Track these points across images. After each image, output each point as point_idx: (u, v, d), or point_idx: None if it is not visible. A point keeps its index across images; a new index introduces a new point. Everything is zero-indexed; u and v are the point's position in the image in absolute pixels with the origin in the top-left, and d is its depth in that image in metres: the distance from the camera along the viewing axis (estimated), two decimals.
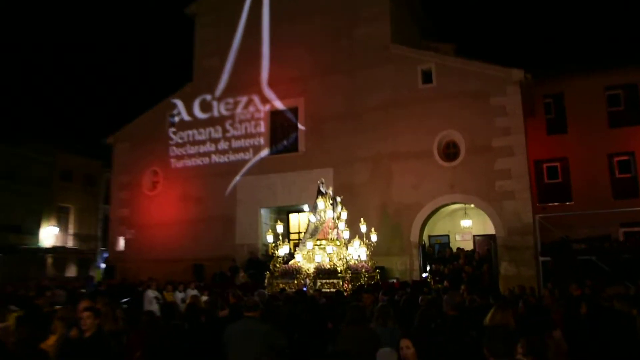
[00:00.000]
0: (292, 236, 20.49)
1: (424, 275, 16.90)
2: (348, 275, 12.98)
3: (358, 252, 14.16)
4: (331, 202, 14.75)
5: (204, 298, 10.78)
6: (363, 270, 13.76)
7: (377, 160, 19.17)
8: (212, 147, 22.76)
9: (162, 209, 23.07)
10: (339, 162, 19.69)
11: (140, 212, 23.64)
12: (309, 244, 14.10)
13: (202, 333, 6.59)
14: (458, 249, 19.18)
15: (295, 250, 14.73)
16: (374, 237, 14.49)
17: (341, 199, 15.10)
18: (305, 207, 20.32)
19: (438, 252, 19.74)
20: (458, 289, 12.12)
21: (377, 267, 15.07)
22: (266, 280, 13.83)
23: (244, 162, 21.94)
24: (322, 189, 14.87)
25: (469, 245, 20.16)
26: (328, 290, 12.09)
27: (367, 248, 14.34)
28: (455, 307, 6.12)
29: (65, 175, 31.35)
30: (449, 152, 18.56)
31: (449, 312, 6.05)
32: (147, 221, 23.28)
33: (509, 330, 3.98)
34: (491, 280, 16.14)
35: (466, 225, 20.58)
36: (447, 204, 18.92)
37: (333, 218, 14.56)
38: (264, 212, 21.68)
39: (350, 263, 13.63)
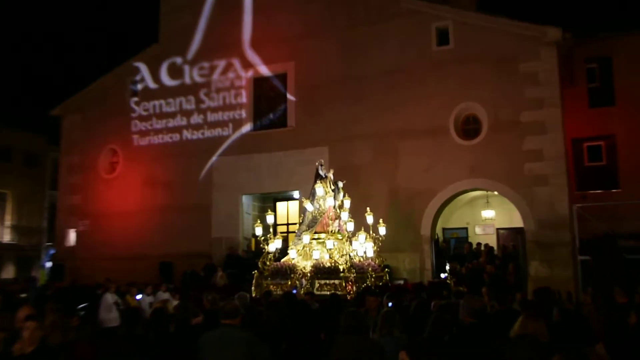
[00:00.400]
0: (280, 228, 20.57)
1: (442, 275, 17.00)
2: (352, 275, 13.17)
3: (363, 248, 14.34)
4: (332, 187, 14.94)
5: (176, 303, 10.87)
6: (369, 269, 13.94)
7: (382, 137, 19.34)
8: (184, 121, 22.99)
9: (123, 196, 23.23)
10: (336, 140, 19.87)
11: (95, 199, 23.76)
12: (306, 238, 14.19)
13: (171, 344, 6.66)
14: (478, 244, 19.32)
15: (289, 245, 15.12)
16: (382, 230, 14.65)
17: (344, 184, 15.36)
18: (296, 194, 20.56)
19: (454, 248, 19.94)
20: (478, 292, 11.91)
21: (385, 266, 15.34)
22: (254, 281, 14.04)
23: (222, 139, 22.09)
24: (321, 171, 15.02)
25: (491, 241, 20.25)
26: (328, 292, 12.34)
27: (375, 243, 14.51)
28: (474, 313, 6.08)
29: (1, 154, 30.90)
30: (469, 128, 18.81)
31: (467, 320, 6.04)
32: (103, 210, 23.41)
33: (541, 343, 3.97)
34: (518, 283, 16.31)
35: (488, 216, 20.61)
36: (466, 191, 19.07)
37: (334, 207, 14.74)
38: (245, 200, 21.82)
39: (355, 260, 13.81)
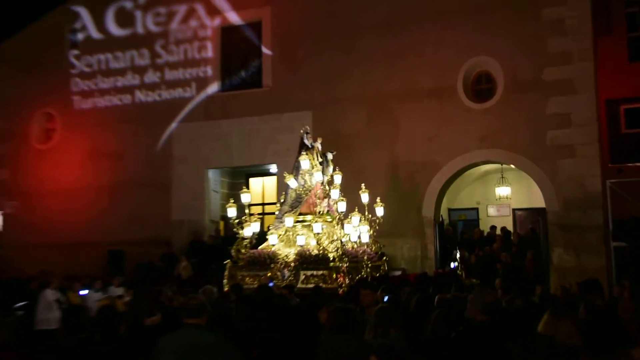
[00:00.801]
0: (255, 209, 19.81)
1: (452, 265, 16.99)
2: (344, 264, 13.27)
3: (357, 232, 14.46)
4: (320, 160, 15.07)
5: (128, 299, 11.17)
6: (365, 257, 14.11)
7: (376, 100, 19.30)
8: (136, 80, 22.78)
9: (61, 170, 22.96)
10: (321, 103, 19.80)
11: (26, 174, 23.48)
12: (288, 221, 14.23)
13: (120, 349, 6.66)
14: (493, 227, 19.32)
15: (265, 229, 15.16)
16: (379, 211, 14.79)
17: (334, 156, 15.51)
18: (273, 168, 20.58)
19: (462, 232, 19.88)
20: (491, 285, 12.28)
21: (382, 254, 15.51)
22: (226, 273, 14.12)
23: (184, 102, 21.89)
24: (306, 141, 15.08)
25: (506, 224, 20.07)
26: (315, 284, 12.56)
27: (371, 226, 14.60)
28: (486, 309, 6.03)
29: None
30: (480, 88, 18.78)
31: (477, 317, 6.00)
32: (37, 188, 23.10)
33: (559, 346, 4.16)
34: (538, 273, 16.43)
35: (503, 194, 20.42)
36: (477, 164, 19.09)
37: (323, 183, 14.90)
38: (212, 176, 21.81)
39: (347, 247, 13.98)
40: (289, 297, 10.34)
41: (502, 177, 20.45)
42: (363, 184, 15.04)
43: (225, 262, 14.43)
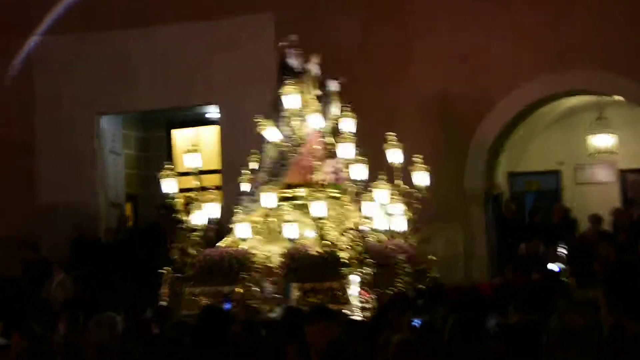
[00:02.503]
0: (184, 181, 16.29)
1: (552, 267, 13.72)
2: (370, 269, 11.12)
3: (389, 216, 12.49)
4: (319, 93, 12.83)
5: None
6: (401, 259, 11.89)
7: None
8: None
9: None
10: (290, 2, 16.37)
11: None
12: (268, 198, 12.10)
13: None
14: (594, 219, 15.58)
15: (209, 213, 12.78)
16: (424, 178, 12.58)
17: (340, 86, 12.95)
18: (212, 112, 17.80)
19: (532, 211, 16.65)
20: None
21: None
22: (165, 289, 11.92)
23: (49, 0, 17.46)
24: (291, 61, 12.88)
25: (611, 194, 16.87)
26: (315, 302, 10.48)
27: (408, 207, 12.52)
28: (570, 340, 4.83)
29: None
30: None
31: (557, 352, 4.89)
32: None
33: None
34: None
35: (603, 145, 16.69)
36: (555, 96, 15.62)
37: (322, 134, 12.80)
38: (109, 127, 18.08)
39: (370, 240, 11.77)
40: (253, 329, 7.88)
41: (600, 119, 16.68)
42: (390, 134, 12.66)
43: (162, 269, 11.96)
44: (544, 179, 18.06)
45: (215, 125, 17.96)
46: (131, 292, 13.60)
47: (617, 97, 15.70)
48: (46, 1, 17.77)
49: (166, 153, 18.40)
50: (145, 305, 11.32)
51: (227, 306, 10.56)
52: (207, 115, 18.15)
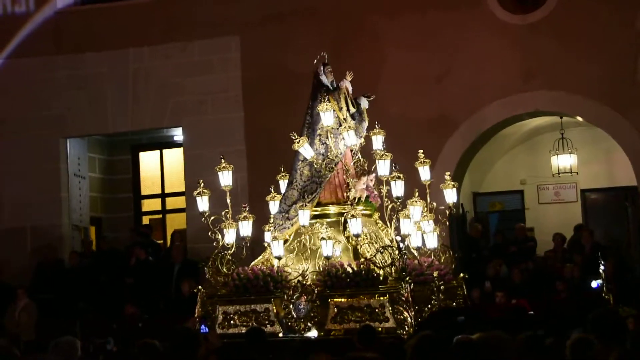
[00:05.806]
0: (149, 203, 18.00)
1: (593, 284, 14.25)
2: (407, 286, 11.29)
3: (421, 232, 12.70)
4: (351, 111, 12.99)
5: None
6: (436, 276, 12.08)
7: (345, 12, 16.59)
8: None
9: None
10: (253, 22, 16.75)
11: None
12: (302, 216, 12.34)
13: None
14: (578, 229, 16.38)
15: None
16: (451, 195, 12.82)
17: (370, 101, 13.24)
18: (178, 135, 17.98)
19: (496, 233, 16.93)
20: None
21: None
22: (198, 306, 12.27)
23: (15, 21, 17.92)
24: (324, 78, 12.82)
25: (573, 213, 17.44)
26: (361, 324, 10.67)
27: (437, 223, 12.65)
28: None
29: None
30: None
31: None
32: None
33: None
34: (628, 297, 13.68)
35: (563, 166, 17.45)
36: (519, 117, 16.22)
37: (354, 153, 13.14)
38: (74, 150, 18.19)
39: (409, 259, 12.22)
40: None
41: (563, 139, 17.53)
42: (421, 151, 12.42)
43: (196, 289, 12.45)
44: (507, 199, 18.47)
45: (179, 148, 18.07)
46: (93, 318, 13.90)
47: (578, 118, 16.14)
48: (11, 24, 17.97)
49: (131, 175, 18.76)
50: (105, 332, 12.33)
51: (203, 328, 10.99)
52: (175, 138, 18.24)
